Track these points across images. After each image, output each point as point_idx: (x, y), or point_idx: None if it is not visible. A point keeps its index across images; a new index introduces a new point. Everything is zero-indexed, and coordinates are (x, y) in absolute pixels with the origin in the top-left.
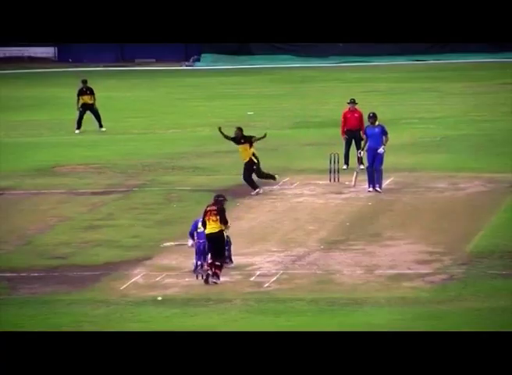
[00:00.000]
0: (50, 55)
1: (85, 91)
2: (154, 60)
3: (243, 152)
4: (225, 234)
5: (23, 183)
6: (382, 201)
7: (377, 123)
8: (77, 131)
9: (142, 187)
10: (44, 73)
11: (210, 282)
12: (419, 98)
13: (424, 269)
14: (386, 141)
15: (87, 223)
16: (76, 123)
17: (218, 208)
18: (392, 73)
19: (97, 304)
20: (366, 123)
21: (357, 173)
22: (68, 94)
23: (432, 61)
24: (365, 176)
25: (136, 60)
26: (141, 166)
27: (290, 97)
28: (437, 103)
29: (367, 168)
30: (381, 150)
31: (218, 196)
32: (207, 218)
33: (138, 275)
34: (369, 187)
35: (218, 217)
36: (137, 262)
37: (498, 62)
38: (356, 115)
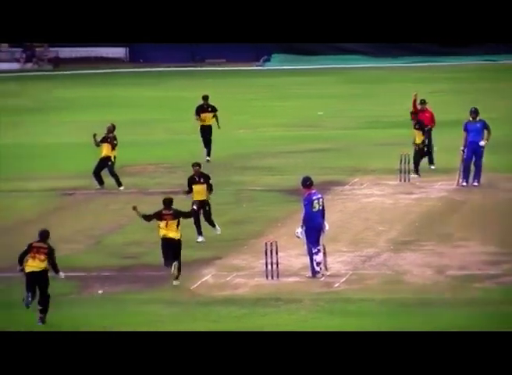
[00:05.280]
0: (121, 55)
1: (206, 108)
2: (224, 60)
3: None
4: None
5: (94, 183)
6: (452, 202)
7: (478, 118)
8: (208, 158)
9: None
10: (115, 74)
11: None
12: (487, 98)
13: (493, 271)
14: (489, 135)
15: (157, 223)
16: (203, 148)
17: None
18: (459, 73)
19: (168, 303)
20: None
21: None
22: (138, 94)
23: (503, 61)
24: (460, 170)
25: (207, 60)
26: (211, 166)
27: (360, 97)
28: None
29: (464, 162)
30: (482, 143)
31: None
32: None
33: (208, 275)
34: (463, 181)
35: (45, 256)
36: (207, 261)
37: None
38: (427, 114)
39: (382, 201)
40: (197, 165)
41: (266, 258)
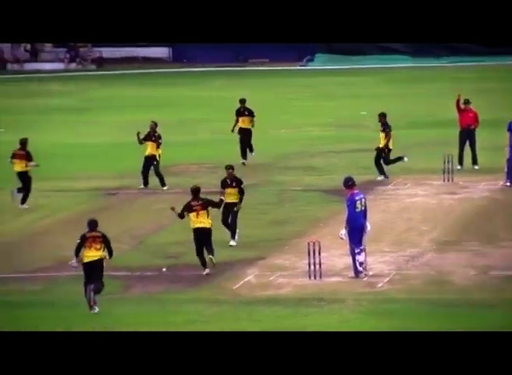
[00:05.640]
0: (165, 55)
1: (243, 111)
2: (267, 60)
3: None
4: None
5: (137, 183)
6: (497, 202)
7: None
8: (243, 160)
9: (255, 187)
10: (158, 74)
11: None
12: None
13: None
14: None
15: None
16: (240, 153)
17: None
18: (502, 73)
19: (210, 303)
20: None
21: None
22: (181, 93)
23: None
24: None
25: (250, 60)
26: (254, 166)
27: (403, 97)
28: None
29: (508, 162)
30: None
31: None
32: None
33: (251, 275)
34: (506, 181)
35: (101, 245)
36: (250, 261)
37: None
38: (470, 114)
39: (426, 201)
40: (230, 167)
41: (309, 258)
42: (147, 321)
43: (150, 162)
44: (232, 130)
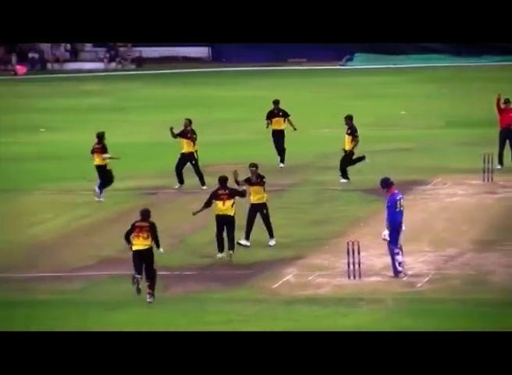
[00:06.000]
0: (204, 55)
1: (277, 112)
2: (305, 60)
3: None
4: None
5: (174, 181)
6: None
7: None
8: (281, 165)
9: (294, 187)
10: (198, 73)
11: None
12: None
13: None
14: None
15: (238, 222)
16: (277, 155)
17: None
18: None
19: (249, 302)
20: None
21: None
22: (220, 93)
23: None
24: None
25: (289, 60)
26: (293, 166)
27: (442, 96)
28: None
29: None
30: None
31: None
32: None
33: (290, 274)
34: None
35: (148, 234)
36: (289, 261)
37: None
38: (511, 114)
39: (465, 201)
40: (253, 166)
41: (348, 257)
42: (186, 320)
43: (186, 159)
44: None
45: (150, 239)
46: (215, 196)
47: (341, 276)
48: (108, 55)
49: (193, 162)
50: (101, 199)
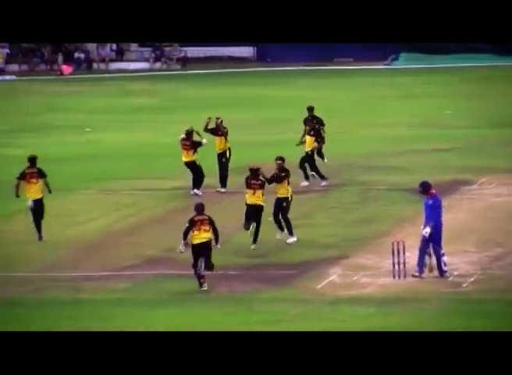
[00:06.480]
0: (249, 54)
1: (311, 120)
2: (352, 59)
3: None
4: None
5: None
6: None
7: None
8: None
9: (338, 187)
10: (243, 73)
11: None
12: None
13: None
14: None
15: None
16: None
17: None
18: None
19: (294, 302)
20: None
21: None
22: (266, 93)
23: None
24: None
25: (335, 59)
26: (338, 166)
27: (488, 96)
28: None
29: None
30: None
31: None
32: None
33: (334, 274)
34: None
35: (209, 226)
36: (334, 261)
37: None
38: None
39: (511, 201)
40: (280, 159)
41: (393, 257)
42: (232, 320)
43: (219, 158)
44: (299, 143)
45: (211, 231)
46: (246, 185)
47: (385, 276)
48: (153, 55)
49: (224, 160)
50: (199, 193)
